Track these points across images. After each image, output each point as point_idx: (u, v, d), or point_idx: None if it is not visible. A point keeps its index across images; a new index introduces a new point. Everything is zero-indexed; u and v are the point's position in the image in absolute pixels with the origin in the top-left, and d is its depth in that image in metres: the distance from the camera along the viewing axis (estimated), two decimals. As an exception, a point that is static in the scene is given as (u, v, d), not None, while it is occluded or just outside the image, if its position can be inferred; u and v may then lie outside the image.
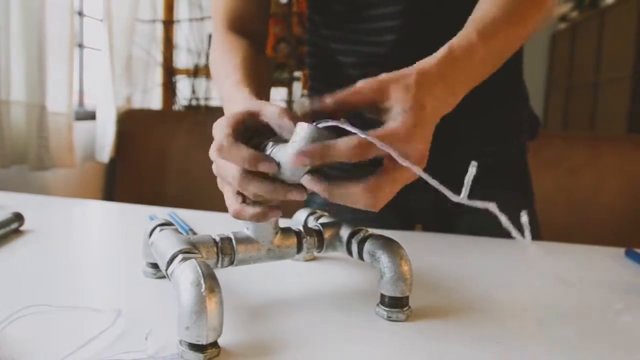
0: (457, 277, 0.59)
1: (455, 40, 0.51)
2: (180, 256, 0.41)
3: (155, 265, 0.53)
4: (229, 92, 0.57)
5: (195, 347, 0.37)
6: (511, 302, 0.52)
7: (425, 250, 0.69)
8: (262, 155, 0.42)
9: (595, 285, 0.59)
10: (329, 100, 0.44)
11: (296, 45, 2.33)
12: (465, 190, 0.38)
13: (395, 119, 0.43)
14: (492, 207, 0.37)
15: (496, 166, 0.80)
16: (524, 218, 0.37)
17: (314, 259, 0.63)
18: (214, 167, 0.47)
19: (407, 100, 0.44)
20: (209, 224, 0.79)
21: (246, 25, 0.73)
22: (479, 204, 0.37)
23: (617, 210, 1.81)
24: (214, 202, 1.89)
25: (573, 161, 1.86)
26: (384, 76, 0.45)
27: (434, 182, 0.38)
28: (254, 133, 0.46)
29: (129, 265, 0.58)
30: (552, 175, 1.86)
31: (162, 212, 0.82)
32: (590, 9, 3.65)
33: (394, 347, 0.42)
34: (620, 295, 0.55)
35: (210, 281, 0.37)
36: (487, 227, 0.79)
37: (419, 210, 0.84)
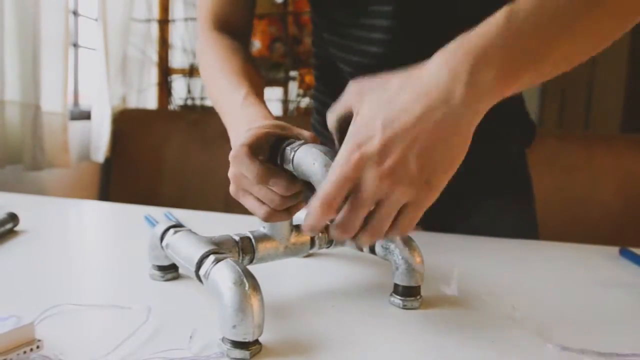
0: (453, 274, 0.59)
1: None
2: (212, 257, 0.41)
3: (162, 268, 0.53)
4: (241, 106, 0.57)
5: (240, 345, 0.37)
6: (508, 301, 0.52)
7: (424, 248, 0.69)
8: (273, 171, 0.44)
9: (591, 284, 0.59)
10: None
11: (292, 44, 2.33)
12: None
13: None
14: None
15: (496, 172, 0.80)
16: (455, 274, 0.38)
17: (310, 255, 0.63)
18: (230, 173, 0.48)
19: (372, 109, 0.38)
20: (205, 224, 0.79)
21: (232, 25, 0.73)
22: None
23: (611, 209, 1.82)
24: (209, 202, 1.88)
25: (568, 160, 1.87)
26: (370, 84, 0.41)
27: None
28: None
29: (129, 265, 0.59)
30: (547, 174, 1.87)
31: (157, 212, 0.82)
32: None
33: (412, 333, 0.44)
34: (615, 295, 0.56)
35: (252, 279, 0.38)
36: (484, 231, 0.80)
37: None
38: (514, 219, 0.81)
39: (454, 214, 0.81)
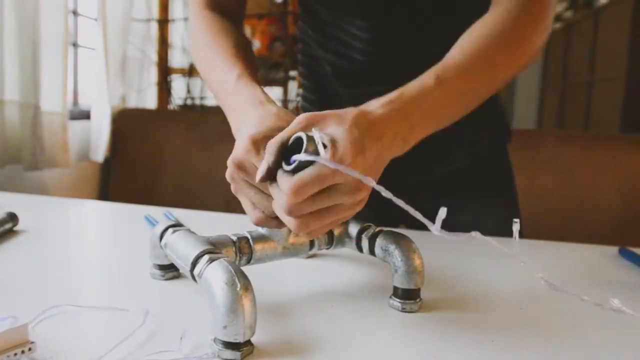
0: (453, 274, 0.59)
1: (410, 83, 0.51)
2: (206, 257, 0.41)
3: (163, 267, 0.53)
4: (235, 87, 0.56)
5: (231, 345, 0.37)
6: (507, 300, 0.52)
7: (424, 250, 0.69)
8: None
9: (590, 284, 0.59)
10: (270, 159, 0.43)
11: (292, 44, 2.33)
12: (438, 223, 0.38)
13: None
14: (476, 235, 0.38)
15: (478, 173, 0.81)
16: (516, 227, 0.38)
17: (314, 256, 0.63)
18: (227, 174, 0.47)
19: (338, 132, 0.42)
20: (204, 224, 0.79)
21: (224, 6, 0.73)
22: (463, 236, 0.37)
23: (611, 209, 1.82)
24: (209, 202, 1.88)
25: (567, 160, 1.87)
26: (323, 112, 0.45)
27: (407, 207, 0.39)
28: None
29: (128, 266, 0.58)
30: (546, 174, 1.87)
31: (157, 212, 0.82)
32: (584, 8, 3.67)
33: (410, 336, 0.44)
34: (614, 294, 0.56)
35: (244, 280, 0.38)
36: (467, 227, 0.80)
37: (400, 210, 0.84)
38: (499, 216, 0.82)
39: (433, 212, 0.81)
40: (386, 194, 0.39)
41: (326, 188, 0.41)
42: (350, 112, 0.44)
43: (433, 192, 0.82)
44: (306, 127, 0.43)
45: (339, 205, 0.42)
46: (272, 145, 0.43)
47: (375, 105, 0.47)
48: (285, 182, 0.41)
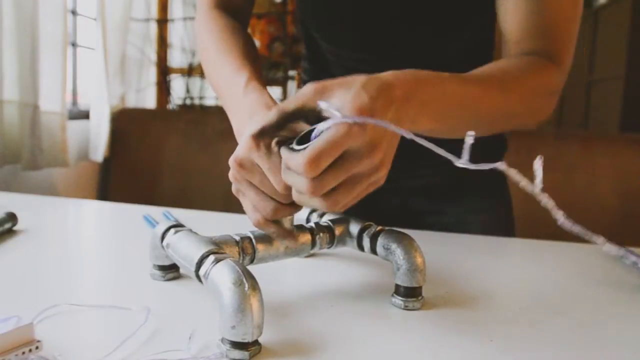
0: (454, 273, 0.59)
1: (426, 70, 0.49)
2: (211, 257, 0.41)
3: (163, 268, 0.53)
4: (243, 92, 0.57)
5: (240, 345, 0.37)
6: (507, 299, 0.52)
7: (425, 248, 0.69)
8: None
9: (590, 284, 0.59)
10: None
11: (291, 44, 2.33)
12: (465, 154, 0.36)
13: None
14: (500, 165, 0.36)
15: (470, 173, 0.81)
16: (537, 164, 0.37)
17: (311, 255, 0.63)
18: (230, 174, 0.47)
19: (346, 97, 0.40)
20: (205, 224, 0.79)
21: (232, 6, 0.73)
22: (485, 166, 0.35)
23: (610, 209, 1.82)
24: (209, 201, 1.88)
25: (566, 160, 1.87)
26: (331, 80, 0.43)
27: (430, 145, 0.37)
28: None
29: (128, 265, 0.58)
30: (545, 173, 1.86)
31: (156, 212, 0.82)
32: (583, 8, 3.67)
33: (413, 334, 0.44)
34: (613, 294, 0.56)
35: (252, 280, 0.38)
36: (452, 227, 0.80)
37: (386, 210, 0.84)
38: (490, 216, 0.82)
39: (427, 210, 0.81)
40: (408, 135, 0.37)
41: (340, 158, 0.39)
42: (359, 77, 0.42)
43: (424, 194, 0.81)
44: (314, 98, 0.41)
45: (359, 175, 0.40)
46: (275, 109, 0.42)
47: (387, 73, 0.44)
48: (297, 157, 0.38)
